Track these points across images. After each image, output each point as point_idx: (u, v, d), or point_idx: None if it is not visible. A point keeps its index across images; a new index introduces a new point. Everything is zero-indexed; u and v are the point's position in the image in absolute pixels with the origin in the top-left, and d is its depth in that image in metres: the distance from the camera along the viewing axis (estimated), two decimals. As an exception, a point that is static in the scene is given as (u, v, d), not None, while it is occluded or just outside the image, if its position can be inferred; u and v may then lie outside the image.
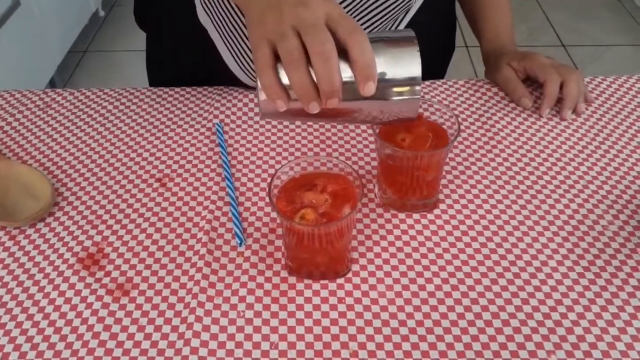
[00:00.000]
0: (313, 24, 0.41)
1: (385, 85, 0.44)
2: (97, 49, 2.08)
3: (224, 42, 0.69)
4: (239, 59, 0.69)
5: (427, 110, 0.56)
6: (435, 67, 0.77)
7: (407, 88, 0.45)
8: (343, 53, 0.41)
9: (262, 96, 0.43)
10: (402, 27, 0.68)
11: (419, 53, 0.44)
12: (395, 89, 0.45)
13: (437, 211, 0.57)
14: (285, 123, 0.67)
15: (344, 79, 0.42)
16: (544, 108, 0.67)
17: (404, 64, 0.44)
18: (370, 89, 0.41)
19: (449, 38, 0.82)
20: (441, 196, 0.58)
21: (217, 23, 0.67)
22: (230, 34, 0.67)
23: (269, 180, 0.57)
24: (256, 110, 0.69)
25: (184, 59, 0.75)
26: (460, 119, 0.67)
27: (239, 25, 0.65)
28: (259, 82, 0.43)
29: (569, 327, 0.47)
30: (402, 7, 0.64)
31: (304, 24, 0.41)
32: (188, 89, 0.72)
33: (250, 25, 0.44)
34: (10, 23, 1.48)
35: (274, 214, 0.56)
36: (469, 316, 0.48)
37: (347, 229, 0.48)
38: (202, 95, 0.71)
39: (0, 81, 1.48)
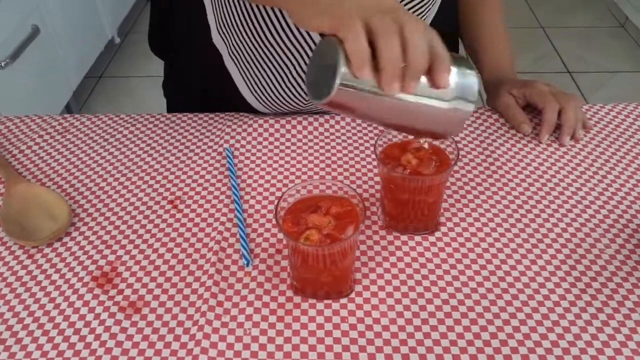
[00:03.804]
0: (401, 10, 0.44)
1: (447, 92, 0.47)
2: (111, 75, 2.13)
3: (237, 66, 0.72)
4: (251, 85, 0.72)
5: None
6: None
7: (465, 100, 0.47)
8: None
9: (340, 75, 0.43)
10: None
11: (475, 72, 0.48)
12: (456, 98, 0.47)
13: (438, 234, 0.59)
14: (294, 148, 0.69)
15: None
16: (543, 134, 0.69)
17: (466, 78, 0.47)
18: (446, 79, 0.44)
19: None
20: (442, 219, 0.60)
21: (231, 49, 0.70)
22: (244, 59, 0.70)
23: (275, 202, 0.60)
24: (265, 135, 0.71)
25: (197, 82, 0.78)
26: (462, 145, 0.70)
27: (252, 52, 0.68)
28: (341, 57, 0.43)
29: (566, 348, 0.48)
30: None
31: (391, 10, 0.43)
32: (200, 115, 0.75)
33: (327, 1, 0.44)
34: (30, 49, 1.54)
35: (280, 235, 0.58)
36: (468, 336, 0.49)
37: (350, 250, 0.50)
38: (213, 121, 0.74)
39: (19, 104, 1.53)
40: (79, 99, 1.98)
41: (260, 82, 0.71)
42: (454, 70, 0.46)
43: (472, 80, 0.47)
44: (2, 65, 1.42)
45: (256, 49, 0.68)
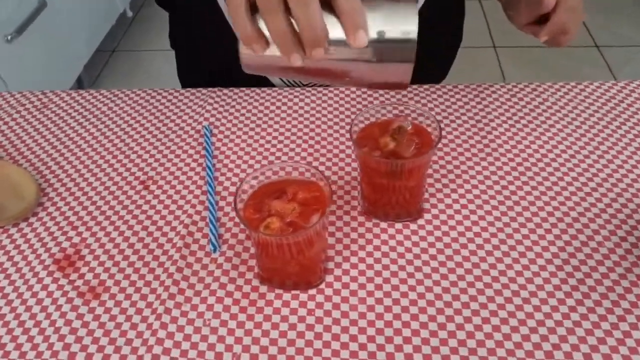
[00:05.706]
0: None
1: (375, 44, 0.39)
2: (125, 49, 2.11)
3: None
4: None
5: (405, 112, 0.54)
6: (436, 67, 0.75)
7: (399, 49, 0.40)
8: (331, 10, 0.38)
9: (242, 45, 0.40)
10: None
11: (416, 10, 0.40)
12: (387, 49, 0.40)
13: (421, 221, 0.55)
14: (277, 127, 0.66)
15: (331, 37, 0.38)
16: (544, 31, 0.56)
17: (399, 21, 0.39)
18: (361, 38, 0.37)
19: (455, 34, 0.79)
20: (427, 205, 0.56)
21: None
22: None
23: (237, 186, 0.56)
24: (247, 115, 0.68)
25: (198, 31, 0.75)
26: (445, 123, 0.65)
27: None
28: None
29: (556, 344, 0.44)
30: None
31: None
32: (182, 91, 0.72)
33: None
34: (37, 23, 1.52)
35: (252, 220, 0.55)
36: (450, 326, 0.46)
37: (318, 238, 0.47)
38: (194, 97, 0.71)
39: (28, 79, 1.52)
40: (92, 73, 1.97)
41: None
42: (380, 17, 0.39)
43: (408, 27, 0.39)
44: (9, 39, 1.41)
45: None
